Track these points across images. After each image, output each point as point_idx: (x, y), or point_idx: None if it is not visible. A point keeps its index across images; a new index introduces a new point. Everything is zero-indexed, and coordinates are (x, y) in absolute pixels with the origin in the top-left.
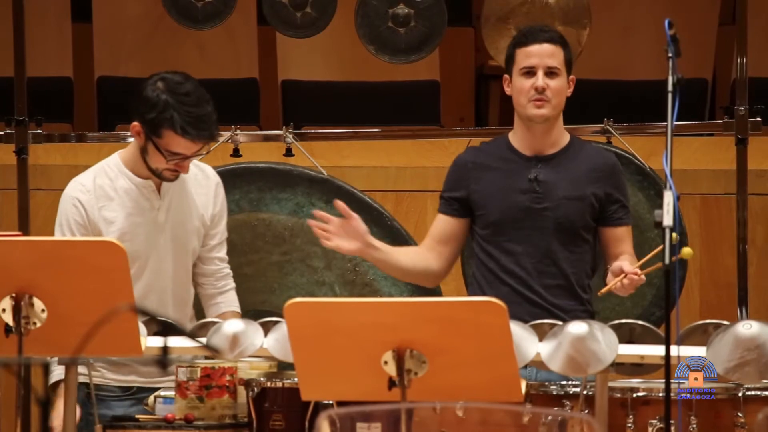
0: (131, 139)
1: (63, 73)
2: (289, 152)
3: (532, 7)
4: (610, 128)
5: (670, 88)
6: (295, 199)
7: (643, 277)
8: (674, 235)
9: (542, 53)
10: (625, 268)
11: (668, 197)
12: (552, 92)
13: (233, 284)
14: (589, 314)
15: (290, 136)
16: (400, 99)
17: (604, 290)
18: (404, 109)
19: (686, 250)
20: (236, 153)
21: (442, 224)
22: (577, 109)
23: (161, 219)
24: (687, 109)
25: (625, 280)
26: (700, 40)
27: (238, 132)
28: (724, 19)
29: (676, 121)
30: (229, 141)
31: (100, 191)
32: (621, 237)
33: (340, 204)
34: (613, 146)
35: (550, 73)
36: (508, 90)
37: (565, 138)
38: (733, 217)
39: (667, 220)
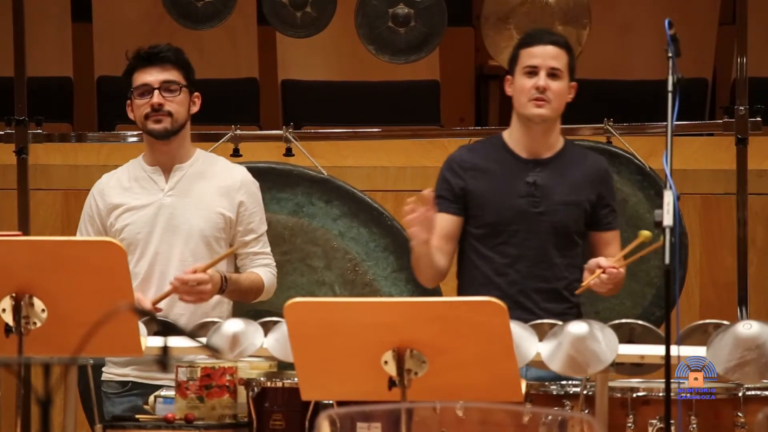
0: (131, 140)
1: (63, 73)
2: (289, 152)
3: (532, 7)
4: (610, 128)
5: (670, 87)
6: (295, 198)
7: (622, 270)
8: (647, 232)
9: (545, 54)
10: (602, 263)
11: (668, 197)
12: (553, 93)
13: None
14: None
15: (290, 135)
16: (400, 99)
17: (581, 288)
18: (404, 109)
19: (644, 233)
20: (236, 153)
21: (445, 223)
22: (576, 109)
23: (167, 201)
24: (687, 109)
25: (603, 275)
26: (700, 40)
27: (238, 132)
28: (724, 19)
29: (676, 121)
30: (230, 141)
31: (114, 182)
32: (609, 241)
33: (427, 195)
34: (613, 146)
35: (552, 74)
36: (509, 90)
37: (561, 141)
38: (733, 217)
39: (667, 220)
